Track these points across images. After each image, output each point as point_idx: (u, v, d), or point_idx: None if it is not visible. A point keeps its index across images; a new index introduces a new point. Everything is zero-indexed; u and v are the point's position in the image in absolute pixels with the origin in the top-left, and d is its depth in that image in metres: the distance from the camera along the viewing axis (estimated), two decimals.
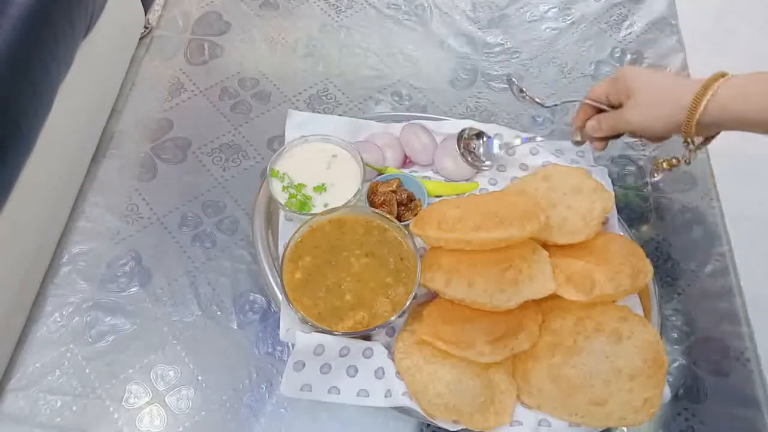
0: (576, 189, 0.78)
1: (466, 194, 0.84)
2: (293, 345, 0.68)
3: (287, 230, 0.77)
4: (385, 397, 0.67)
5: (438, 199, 0.83)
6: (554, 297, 0.70)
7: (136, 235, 0.81)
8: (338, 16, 1.05)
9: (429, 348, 0.68)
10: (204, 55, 0.99)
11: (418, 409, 0.66)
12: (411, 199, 0.81)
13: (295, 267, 0.70)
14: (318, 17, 1.05)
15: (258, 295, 0.77)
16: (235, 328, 0.75)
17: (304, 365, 0.67)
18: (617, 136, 0.78)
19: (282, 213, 0.79)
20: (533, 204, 0.73)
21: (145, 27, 1.02)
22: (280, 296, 0.71)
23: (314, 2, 1.06)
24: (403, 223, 0.74)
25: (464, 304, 0.68)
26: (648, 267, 0.72)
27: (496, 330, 0.67)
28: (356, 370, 0.69)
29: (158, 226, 0.82)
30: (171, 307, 0.76)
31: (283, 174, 0.78)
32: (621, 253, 0.72)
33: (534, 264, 0.70)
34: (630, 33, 1.01)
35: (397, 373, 0.68)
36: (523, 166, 0.86)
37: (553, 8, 1.04)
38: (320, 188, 0.78)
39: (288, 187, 0.77)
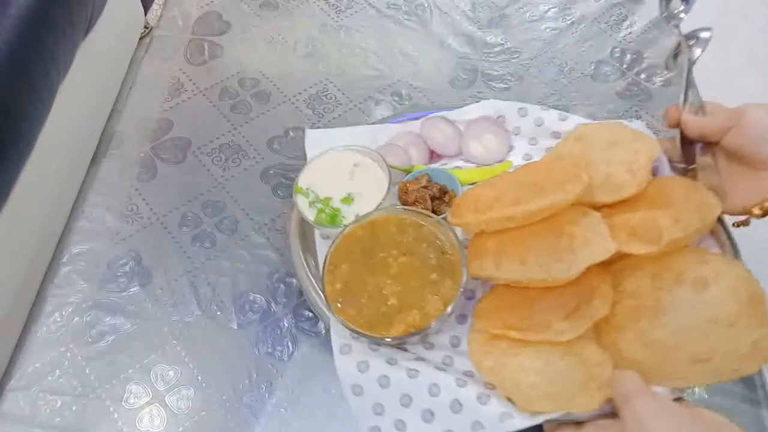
0: (613, 142, 0.72)
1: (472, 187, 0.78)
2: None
3: (324, 249, 0.75)
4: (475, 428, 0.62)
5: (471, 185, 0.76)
6: (622, 257, 0.63)
7: (136, 235, 0.81)
8: (338, 16, 1.05)
9: (504, 341, 0.62)
10: (204, 55, 1.00)
11: (514, 414, 0.60)
12: (444, 191, 0.78)
13: (334, 277, 0.67)
14: (318, 17, 1.04)
15: (258, 295, 0.77)
16: (235, 328, 0.75)
17: (362, 390, 0.64)
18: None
19: (317, 232, 0.77)
20: (572, 166, 0.67)
21: (145, 27, 1.02)
22: (328, 313, 0.68)
23: (314, 2, 1.06)
24: (440, 217, 0.71)
25: (522, 285, 0.63)
26: (713, 199, 0.64)
27: (567, 303, 0.61)
28: (432, 414, 0.63)
29: (158, 226, 0.82)
30: (171, 307, 0.76)
31: (308, 190, 0.76)
32: (680, 192, 0.65)
33: (587, 227, 0.63)
34: (630, 33, 1.01)
35: (487, 384, 0.63)
36: (555, 134, 0.82)
37: (552, 8, 1.04)
38: (348, 200, 0.75)
39: (314, 202, 0.75)
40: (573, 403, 0.59)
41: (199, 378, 0.71)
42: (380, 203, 0.73)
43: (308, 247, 0.77)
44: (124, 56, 0.97)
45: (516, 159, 0.83)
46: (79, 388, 0.70)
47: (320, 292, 0.69)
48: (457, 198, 0.73)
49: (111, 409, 0.69)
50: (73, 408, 0.69)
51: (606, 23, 1.03)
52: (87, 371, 0.71)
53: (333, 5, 1.06)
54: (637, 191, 0.67)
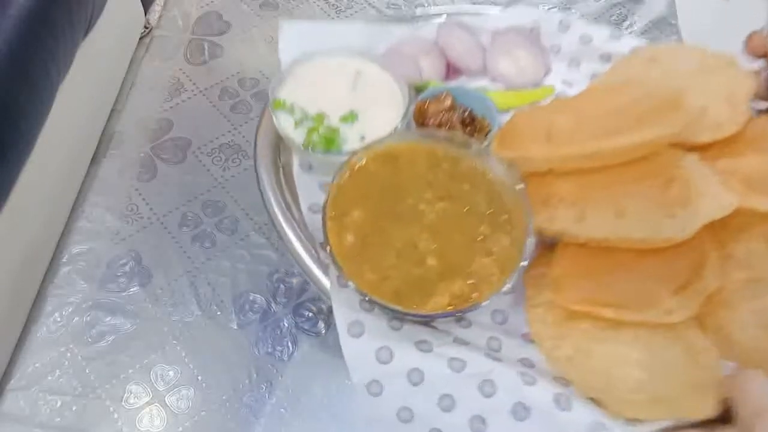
0: (705, 68, 0.58)
1: (546, 101, 0.65)
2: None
3: (307, 184, 0.61)
4: None
5: (509, 114, 0.62)
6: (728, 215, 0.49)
7: (136, 235, 0.81)
8: (338, 16, 1.04)
9: (585, 321, 0.49)
10: (204, 55, 1.00)
11: (606, 423, 0.46)
12: (473, 117, 0.63)
13: (341, 227, 0.52)
14: (318, 17, 1.04)
15: (258, 295, 0.77)
16: (235, 328, 0.75)
17: (382, 389, 0.50)
18: None
19: (296, 162, 0.62)
20: (669, 91, 0.53)
21: (145, 27, 1.02)
22: (323, 279, 0.55)
23: (314, 2, 1.06)
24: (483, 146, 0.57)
25: (608, 245, 0.49)
26: None
27: (677, 274, 0.47)
28: (484, 423, 0.48)
29: (158, 226, 0.82)
30: (171, 307, 0.76)
31: (291, 104, 0.60)
32: None
33: (695, 174, 0.49)
34: (630, 33, 1.01)
35: (558, 379, 0.49)
36: (605, 57, 0.68)
37: (552, 8, 1.04)
38: (350, 117, 0.59)
39: (302, 120, 0.59)
40: (683, 407, 0.45)
41: (199, 378, 0.71)
42: (397, 126, 0.59)
43: (288, 186, 0.62)
44: (124, 56, 0.97)
45: (555, 85, 0.69)
46: (79, 388, 0.70)
47: (312, 248, 0.57)
48: (508, 124, 0.58)
49: (111, 409, 0.69)
50: (73, 408, 0.69)
51: (606, 23, 1.03)
52: (87, 371, 0.71)
53: (333, 5, 1.06)
54: (737, 130, 0.54)
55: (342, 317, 0.52)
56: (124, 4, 0.93)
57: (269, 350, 0.73)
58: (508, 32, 0.70)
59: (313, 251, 0.57)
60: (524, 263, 0.50)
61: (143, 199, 0.84)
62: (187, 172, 0.87)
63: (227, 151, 0.89)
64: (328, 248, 0.52)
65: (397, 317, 0.52)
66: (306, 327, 0.75)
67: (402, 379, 0.49)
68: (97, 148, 0.89)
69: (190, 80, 0.96)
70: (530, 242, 0.50)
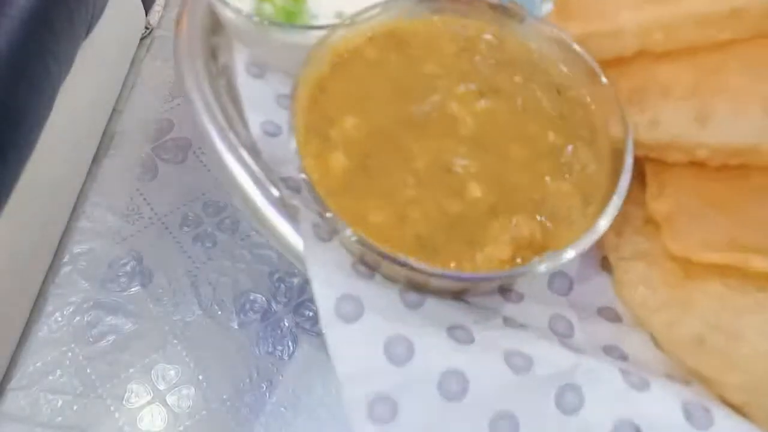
0: None
1: None
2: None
3: (259, 95, 0.45)
4: None
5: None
6: None
7: (137, 235, 0.81)
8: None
9: (718, 279, 0.33)
10: None
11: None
12: None
13: (325, 144, 0.36)
14: None
15: (258, 295, 0.77)
16: (236, 327, 0.75)
17: (396, 411, 0.32)
18: None
19: (240, 62, 0.45)
20: None
21: (146, 27, 1.02)
22: (289, 233, 0.39)
23: None
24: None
25: (742, 161, 0.34)
26: None
27: None
28: None
29: (159, 226, 0.82)
30: (172, 307, 0.76)
31: None
32: None
33: None
34: None
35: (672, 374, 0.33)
36: None
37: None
38: None
39: None
40: None
41: (200, 377, 0.71)
42: None
43: (231, 99, 0.44)
44: (125, 56, 0.98)
45: None
46: (80, 388, 0.70)
47: (271, 184, 0.40)
48: None
49: (112, 408, 0.69)
50: (74, 407, 0.69)
51: None
52: (88, 371, 0.71)
53: None
54: None
55: (325, 290, 0.34)
56: (125, 5, 0.94)
57: (270, 349, 0.73)
58: None
59: (272, 188, 0.39)
60: (623, 186, 0.33)
61: (144, 199, 0.84)
62: (188, 172, 0.87)
63: None
64: (302, 176, 0.34)
65: (418, 286, 0.34)
66: (307, 326, 0.75)
67: (429, 389, 0.31)
68: (98, 148, 0.89)
69: None
70: (629, 157, 0.34)
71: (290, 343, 0.73)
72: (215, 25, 0.46)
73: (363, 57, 0.39)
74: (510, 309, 0.38)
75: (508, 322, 0.36)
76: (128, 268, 0.79)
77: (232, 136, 0.43)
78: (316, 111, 0.37)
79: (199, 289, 0.77)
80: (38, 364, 0.72)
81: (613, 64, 0.38)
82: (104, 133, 0.91)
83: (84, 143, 0.87)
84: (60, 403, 0.69)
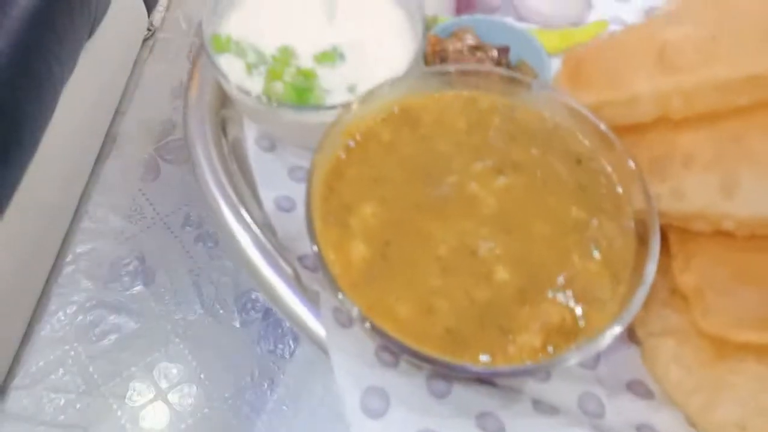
0: None
1: (606, 35, 0.48)
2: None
3: (271, 169, 0.44)
4: None
5: (557, 59, 0.43)
6: None
7: (140, 235, 0.82)
8: None
9: (754, 357, 0.31)
10: None
11: None
12: (504, 51, 0.45)
13: (346, 235, 0.34)
14: None
15: (260, 294, 0.77)
16: (238, 326, 0.75)
17: None
18: None
19: (250, 136, 0.44)
20: None
21: (149, 29, 1.02)
22: (309, 317, 0.38)
23: None
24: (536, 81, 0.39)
25: None
26: None
27: None
28: None
29: (161, 226, 0.83)
30: (174, 306, 0.76)
31: (239, 42, 0.42)
32: None
33: None
34: None
35: None
36: None
37: None
38: (330, 56, 0.41)
39: (258, 63, 0.41)
40: None
41: (202, 376, 0.71)
42: (412, 61, 0.41)
43: (242, 172, 0.42)
44: (127, 58, 0.98)
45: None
46: (82, 386, 0.71)
47: (288, 265, 0.39)
48: (579, 53, 0.38)
49: (114, 406, 0.70)
50: (77, 406, 0.70)
51: None
52: (90, 369, 0.72)
53: None
54: None
55: (349, 381, 0.32)
56: (127, 7, 0.94)
57: (271, 348, 0.73)
58: None
59: (289, 270, 0.38)
60: (652, 268, 0.32)
61: (147, 200, 0.85)
62: (190, 172, 0.87)
63: None
64: (322, 265, 0.32)
65: (444, 375, 0.33)
66: None
67: None
68: (100, 148, 0.90)
69: None
70: (655, 232, 0.33)
71: (291, 342, 0.74)
72: (225, 98, 0.45)
73: (377, 139, 0.38)
74: (537, 388, 0.36)
75: (537, 406, 0.35)
76: (131, 267, 0.79)
77: (245, 214, 0.42)
78: (334, 199, 0.36)
79: (201, 289, 0.77)
80: (41, 363, 0.72)
81: (631, 130, 0.37)
82: (107, 134, 0.91)
83: (87, 144, 0.87)
84: (63, 401, 0.70)
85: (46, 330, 0.74)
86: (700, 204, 0.33)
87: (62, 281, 0.78)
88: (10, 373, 0.72)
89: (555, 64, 0.46)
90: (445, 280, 0.33)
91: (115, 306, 0.76)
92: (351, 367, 0.34)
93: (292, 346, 0.73)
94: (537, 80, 0.40)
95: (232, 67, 0.43)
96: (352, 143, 0.38)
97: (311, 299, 0.39)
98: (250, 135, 0.45)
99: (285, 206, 0.46)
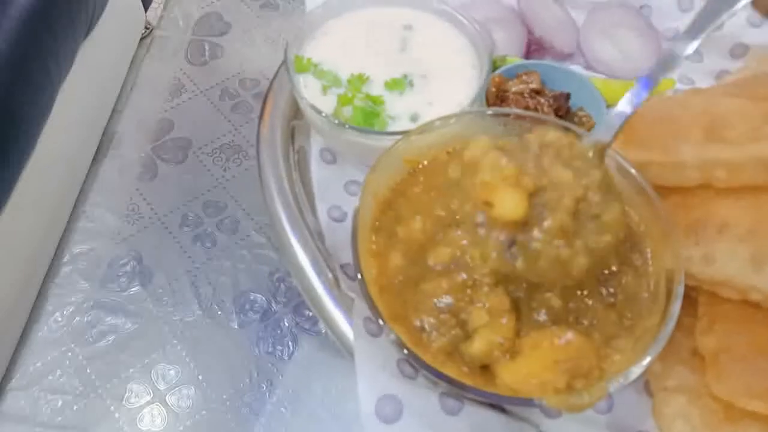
0: None
1: (664, 96, 0.48)
2: None
3: (329, 181, 0.46)
4: None
5: (618, 108, 0.40)
6: None
7: (137, 235, 0.82)
8: None
9: (758, 427, 0.32)
10: (204, 56, 1.00)
11: None
12: (569, 106, 0.47)
13: (387, 243, 0.37)
14: None
15: (258, 295, 0.77)
16: (236, 327, 0.75)
17: None
18: None
19: (315, 149, 0.47)
20: None
21: (146, 27, 1.02)
22: (342, 321, 0.41)
23: None
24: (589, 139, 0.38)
25: None
26: None
27: None
28: None
29: (159, 226, 0.82)
30: (172, 307, 0.76)
31: (318, 65, 0.46)
32: None
33: None
34: None
35: None
36: (738, 50, 0.50)
37: None
38: (397, 84, 0.44)
39: (331, 85, 0.45)
40: None
41: (200, 377, 0.71)
42: (474, 97, 0.43)
43: (303, 181, 0.46)
44: (124, 56, 0.98)
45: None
46: (80, 388, 0.70)
47: (330, 272, 0.43)
48: (638, 113, 0.37)
49: (112, 408, 0.69)
50: (74, 407, 0.69)
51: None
52: (88, 371, 0.71)
53: None
54: None
55: (368, 386, 0.35)
56: (124, 5, 0.93)
57: (270, 349, 0.73)
58: (611, 7, 0.55)
59: (330, 275, 0.41)
60: (669, 328, 0.33)
61: (144, 199, 0.85)
62: (188, 172, 0.87)
63: (228, 151, 0.89)
64: (358, 275, 0.35)
65: (458, 393, 0.35)
66: (306, 326, 0.75)
67: None
68: (97, 148, 0.89)
69: (191, 81, 0.96)
70: (679, 291, 0.34)
71: (290, 343, 0.74)
72: (297, 109, 0.49)
73: (438, 163, 0.40)
74: (547, 423, 0.38)
75: None
76: (128, 268, 0.79)
77: (300, 221, 0.45)
78: (390, 212, 0.38)
79: (199, 289, 0.77)
80: (38, 364, 0.72)
81: (674, 191, 0.38)
82: (104, 133, 0.91)
83: (84, 143, 0.87)
84: (60, 403, 0.70)
85: (43, 331, 0.74)
86: (729, 272, 0.34)
87: (59, 282, 0.77)
88: (8, 374, 0.71)
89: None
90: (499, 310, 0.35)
91: (113, 307, 0.76)
92: (372, 374, 0.36)
93: (291, 348, 0.73)
94: (586, 132, 0.41)
95: (308, 86, 0.47)
96: (411, 167, 0.40)
97: (346, 305, 0.42)
98: (315, 146, 0.48)
99: (337, 216, 0.49)
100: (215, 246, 0.81)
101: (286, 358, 0.73)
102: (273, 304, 0.76)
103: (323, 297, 0.44)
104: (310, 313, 0.75)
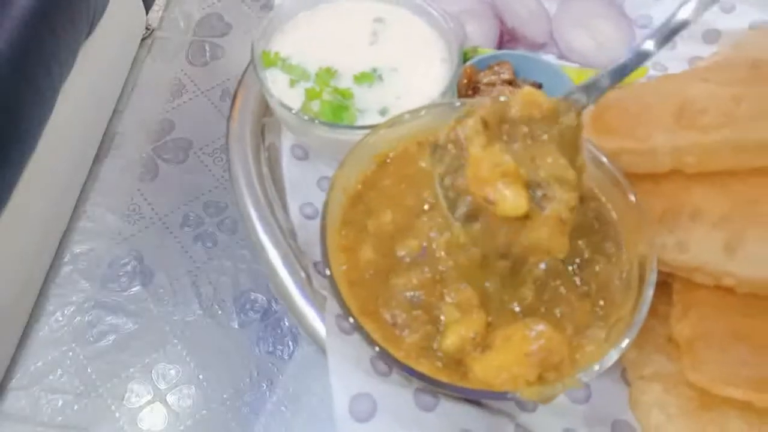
0: None
1: (637, 84, 0.47)
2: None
3: (301, 177, 0.46)
4: None
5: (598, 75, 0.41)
6: None
7: (138, 235, 0.82)
8: None
9: (736, 409, 0.32)
10: (205, 57, 1.00)
11: None
12: (537, 89, 0.44)
13: (356, 237, 0.37)
14: None
15: (259, 295, 0.77)
16: (236, 327, 0.75)
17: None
18: None
19: (286, 146, 0.47)
20: None
21: (147, 28, 1.02)
22: (315, 319, 0.41)
23: None
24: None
25: None
26: None
27: None
28: None
29: (160, 226, 0.82)
30: (172, 307, 0.76)
31: (286, 59, 0.46)
32: None
33: None
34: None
35: None
36: (710, 35, 0.51)
37: None
38: (367, 77, 0.44)
39: (299, 79, 0.45)
40: None
41: (200, 377, 0.71)
42: (444, 90, 0.43)
43: (274, 179, 0.46)
44: (125, 57, 0.98)
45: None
46: (80, 387, 0.70)
47: (302, 270, 0.42)
48: (606, 100, 0.37)
49: (112, 407, 0.69)
50: (75, 407, 0.69)
51: None
52: (88, 370, 0.72)
53: None
54: None
55: (341, 386, 0.34)
56: (125, 6, 0.94)
57: (270, 349, 0.73)
58: None
59: (302, 273, 0.41)
60: (642, 315, 0.33)
61: (145, 199, 0.85)
62: (189, 172, 0.87)
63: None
64: (326, 271, 0.35)
65: (432, 389, 0.35)
66: None
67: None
68: (99, 148, 0.89)
69: (192, 81, 0.97)
70: (652, 277, 0.34)
71: (290, 343, 0.74)
72: (267, 107, 0.49)
73: (406, 155, 0.40)
74: (524, 417, 0.38)
75: (519, 430, 0.37)
76: (129, 268, 0.79)
77: (269, 216, 0.45)
78: (361, 205, 0.38)
79: (199, 289, 0.77)
80: (39, 364, 0.72)
81: (646, 178, 0.38)
82: (105, 134, 0.91)
83: (85, 144, 0.87)
84: (61, 402, 0.70)
85: (44, 331, 0.74)
86: (702, 258, 0.34)
87: (60, 281, 0.78)
88: (8, 373, 0.71)
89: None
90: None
91: (113, 307, 0.76)
92: (345, 372, 0.36)
93: (291, 348, 0.73)
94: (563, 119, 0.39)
95: (276, 81, 0.47)
96: (386, 160, 0.40)
97: (318, 303, 0.42)
98: (286, 143, 0.48)
99: (309, 213, 0.49)
100: (216, 246, 0.81)
101: (286, 357, 0.73)
102: (273, 304, 0.76)
103: (295, 295, 0.44)
104: None
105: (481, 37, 0.53)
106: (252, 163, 0.47)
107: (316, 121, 0.43)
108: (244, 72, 0.55)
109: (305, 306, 0.42)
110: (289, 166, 0.48)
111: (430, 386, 0.35)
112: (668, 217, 0.36)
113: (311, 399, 0.70)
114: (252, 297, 0.77)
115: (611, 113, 0.39)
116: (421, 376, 0.34)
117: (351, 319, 0.35)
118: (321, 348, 0.42)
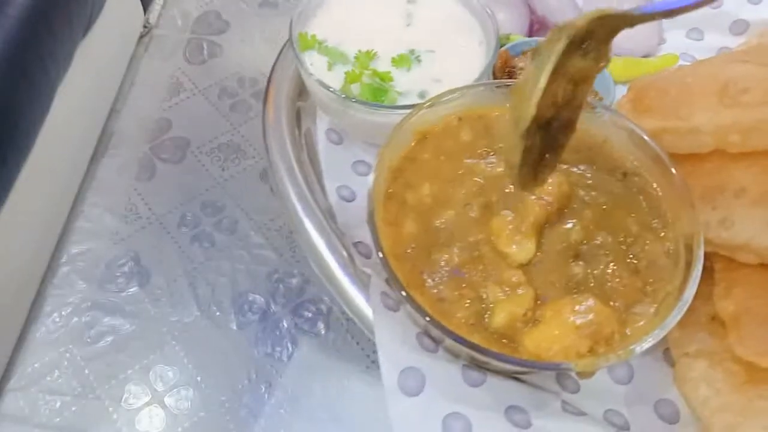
0: None
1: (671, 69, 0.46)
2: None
3: (337, 161, 0.46)
4: None
5: (624, 88, 0.45)
6: None
7: (135, 236, 0.81)
8: None
9: None
10: (203, 55, 0.99)
11: None
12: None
13: (399, 210, 0.38)
14: None
15: (257, 296, 0.77)
16: (234, 328, 0.74)
17: None
18: None
19: (321, 129, 0.47)
20: None
21: (144, 26, 1.02)
22: (360, 299, 0.41)
23: None
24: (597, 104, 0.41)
25: None
26: None
27: None
28: None
29: (157, 226, 0.82)
30: (170, 308, 0.76)
31: (323, 41, 0.46)
32: None
33: None
34: None
35: None
36: (738, 25, 0.51)
37: None
38: (404, 60, 0.44)
39: (336, 62, 0.45)
40: None
41: (198, 378, 0.71)
42: (481, 73, 0.43)
43: (312, 163, 0.46)
44: (123, 55, 0.97)
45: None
46: (78, 389, 0.70)
47: (344, 250, 0.43)
48: (645, 81, 0.39)
49: (110, 409, 0.69)
50: (73, 408, 0.69)
51: None
52: (86, 372, 0.71)
53: None
54: None
55: (389, 361, 0.35)
56: (123, 4, 0.93)
57: (268, 351, 0.73)
58: None
59: (345, 254, 0.41)
60: (692, 290, 0.33)
61: (142, 199, 0.84)
62: (187, 171, 0.87)
63: (226, 150, 0.89)
64: (379, 252, 0.34)
65: (480, 362, 0.35)
66: (305, 327, 0.75)
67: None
68: (96, 147, 0.89)
69: (190, 80, 0.96)
70: (700, 254, 0.34)
71: (289, 344, 0.73)
72: (302, 90, 0.49)
73: (449, 130, 0.41)
74: (567, 397, 0.38)
75: (566, 406, 0.37)
76: (126, 268, 0.79)
77: (312, 202, 0.46)
78: (401, 179, 0.39)
79: (197, 290, 0.77)
80: (36, 365, 0.72)
81: (688, 158, 0.38)
82: (102, 133, 0.91)
83: (82, 143, 0.87)
84: (58, 404, 0.69)
85: (41, 332, 0.74)
86: (746, 236, 0.34)
87: (57, 282, 0.77)
88: (6, 374, 0.71)
89: (620, 91, 0.48)
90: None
91: (111, 307, 0.75)
92: (393, 348, 0.37)
93: (290, 349, 0.73)
94: (599, 102, 0.42)
95: (314, 64, 0.47)
96: (427, 135, 0.41)
97: (363, 283, 0.42)
98: (321, 127, 0.49)
99: (346, 196, 0.50)
100: (214, 246, 0.81)
101: (285, 359, 0.73)
102: (272, 305, 0.76)
103: (340, 276, 0.45)
104: (309, 314, 0.75)
105: (511, 25, 0.55)
106: (290, 148, 0.48)
107: (357, 102, 0.43)
108: (277, 58, 0.56)
109: (349, 285, 0.43)
110: (325, 150, 0.49)
111: (481, 357, 0.35)
112: (711, 195, 0.36)
113: (310, 401, 0.70)
114: (250, 298, 0.77)
115: (651, 95, 0.39)
116: (473, 346, 0.34)
117: (403, 292, 0.35)
118: (367, 328, 0.42)
